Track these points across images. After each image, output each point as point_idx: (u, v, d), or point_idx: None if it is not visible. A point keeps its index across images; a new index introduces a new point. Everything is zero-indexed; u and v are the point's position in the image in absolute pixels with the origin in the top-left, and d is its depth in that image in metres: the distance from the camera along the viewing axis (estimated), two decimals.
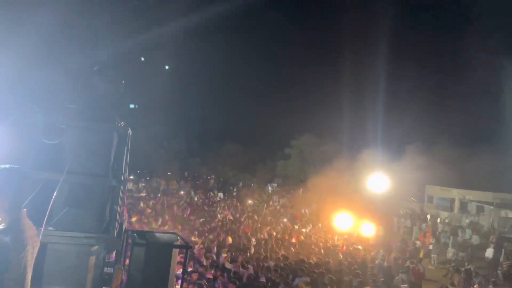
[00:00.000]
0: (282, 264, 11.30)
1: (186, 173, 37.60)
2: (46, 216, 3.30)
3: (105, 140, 3.82)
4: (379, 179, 24.63)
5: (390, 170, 25.23)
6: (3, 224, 2.73)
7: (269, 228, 18.47)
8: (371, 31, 37.80)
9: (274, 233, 17.27)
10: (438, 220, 24.29)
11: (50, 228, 3.61)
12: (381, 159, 28.43)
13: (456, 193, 27.53)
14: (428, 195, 29.76)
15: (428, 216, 25.21)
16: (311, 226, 20.49)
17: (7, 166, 2.81)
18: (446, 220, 24.46)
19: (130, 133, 4.11)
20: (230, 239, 14.28)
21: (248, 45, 48.24)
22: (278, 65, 49.76)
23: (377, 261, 13.78)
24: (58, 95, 3.88)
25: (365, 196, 24.72)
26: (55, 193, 3.41)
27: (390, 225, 22.79)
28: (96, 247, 3.89)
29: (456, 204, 27.43)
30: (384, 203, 25.02)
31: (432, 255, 17.49)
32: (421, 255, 16.90)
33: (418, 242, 18.90)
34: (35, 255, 2.78)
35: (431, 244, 18.42)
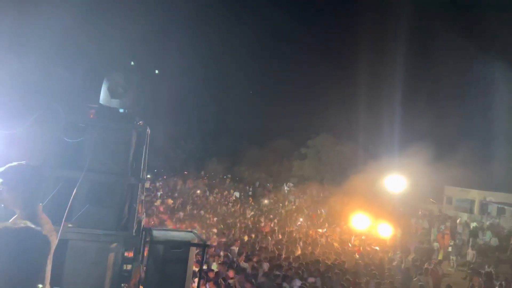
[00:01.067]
0: (297, 264, 11.27)
1: (202, 172, 37.80)
2: (66, 213, 3.35)
3: (125, 139, 3.86)
4: (396, 180, 24.34)
5: (408, 170, 24.90)
6: (15, 216, 2.79)
7: (285, 228, 18.45)
8: (389, 31, 37.38)
9: (290, 233, 17.23)
10: (458, 221, 23.87)
11: (70, 225, 3.68)
12: (399, 159, 28.09)
13: (476, 194, 27.00)
14: (447, 196, 29.27)
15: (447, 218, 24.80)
16: (327, 226, 20.39)
17: (23, 162, 2.87)
18: (466, 222, 24.01)
19: (149, 132, 4.16)
20: (246, 238, 14.32)
21: (265, 45, 48.28)
22: (295, 64, 49.64)
23: (394, 263, 13.62)
24: (79, 94, 3.94)
25: (382, 197, 24.46)
26: (74, 191, 3.46)
27: (407, 227, 22.49)
28: (115, 244, 3.94)
29: (476, 206, 26.90)
30: (402, 204, 24.71)
31: (451, 257, 17.20)
32: (440, 257, 16.64)
33: (436, 244, 18.60)
34: (52, 250, 2.83)
35: (450, 246, 18.11)
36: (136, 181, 3.99)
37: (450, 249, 17.79)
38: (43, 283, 1.67)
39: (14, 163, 2.81)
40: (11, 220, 2.66)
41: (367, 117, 33.21)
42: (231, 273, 9.38)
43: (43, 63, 4.37)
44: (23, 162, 2.85)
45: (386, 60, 36.38)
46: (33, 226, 1.71)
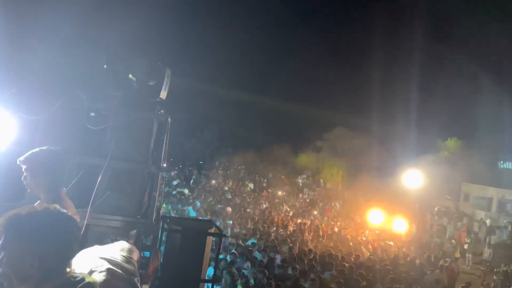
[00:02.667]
0: (311, 257, 11.28)
1: (217, 163, 37.98)
2: (92, 199, 3.41)
3: (146, 127, 3.90)
4: (412, 175, 24.05)
5: (425, 166, 24.57)
6: (39, 201, 2.86)
7: (299, 220, 18.46)
8: (406, 25, 36.70)
9: (304, 225, 17.24)
10: (475, 219, 23.53)
11: (90, 211, 3.74)
12: (416, 155, 27.71)
13: (494, 192, 26.50)
14: (464, 193, 28.79)
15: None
16: (341, 220, 20.33)
17: (45, 148, 2.92)
18: (483, 220, 23.63)
19: (170, 121, 4.18)
20: (260, 229, 14.38)
21: (281, 37, 47.94)
22: (312, 57, 49.19)
23: (408, 258, 13.52)
24: (102, 82, 3.98)
25: (398, 192, 24.22)
26: (100, 177, 3.51)
27: (423, 223, 22.27)
28: (134, 231, 4.00)
29: (494, 204, 26.42)
30: (418, 200, 24.44)
31: (467, 255, 16.98)
32: (456, 254, 16.44)
33: (453, 241, 18.38)
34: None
35: (466, 243, 17.88)
36: (156, 170, 4.03)
37: (466, 246, 17.57)
38: (70, 266, 1.70)
39: (36, 149, 2.87)
40: (36, 203, 2.72)
41: (384, 111, 32.82)
42: (246, 264, 9.45)
43: (67, 49, 4.42)
44: (45, 147, 2.90)
45: (403, 51, 35.81)
46: (57, 207, 1.75)
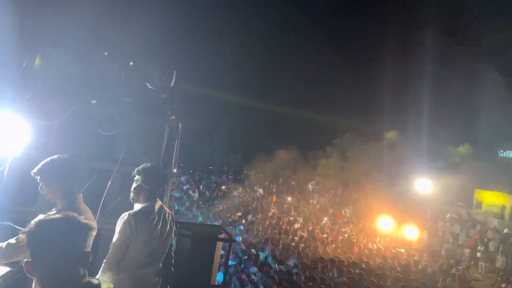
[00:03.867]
0: (321, 263, 11.21)
1: (225, 168, 38.03)
2: (101, 204, 3.45)
3: (157, 132, 3.94)
4: (423, 182, 23.80)
5: (436, 172, 24.32)
6: (54, 211, 2.92)
7: (309, 226, 18.37)
8: (416, 32, 36.52)
9: (314, 232, 17.15)
10: (487, 226, 23.18)
11: (101, 216, 3.78)
12: (427, 161, 27.44)
13: (508, 199, 26.11)
14: (477, 200, 28.42)
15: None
16: (351, 227, 20.17)
17: (55, 156, 2.98)
18: (496, 227, 23.27)
19: (181, 127, 4.22)
20: (269, 235, 14.33)
21: (292, 45, 48.03)
22: (322, 62, 49.15)
23: (420, 266, 13.35)
24: (114, 88, 4.03)
25: (409, 199, 23.99)
26: (109, 182, 3.56)
27: (434, 230, 21.99)
28: None
29: (507, 211, 26.01)
30: (429, 207, 24.17)
31: (480, 263, 16.72)
32: (468, 262, 16.21)
33: (467, 250, 18.11)
34: (92, 238, 2.93)
35: (479, 251, 17.60)
36: (167, 175, 4.06)
37: (479, 254, 17.30)
38: (84, 272, 1.74)
39: (47, 159, 2.93)
40: (53, 210, 2.77)
41: (395, 117, 32.62)
42: (255, 269, 9.42)
43: (80, 56, 4.49)
44: (55, 156, 2.96)
45: (414, 57, 35.60)
46: (74, 214, 1.79)
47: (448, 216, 25.12)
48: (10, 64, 4.02)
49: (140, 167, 3.18)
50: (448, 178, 25.04)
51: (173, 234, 3.42)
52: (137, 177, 3.18)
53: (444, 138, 30.56)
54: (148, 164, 3.20)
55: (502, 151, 29.15)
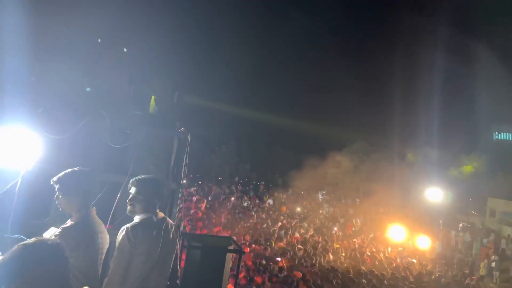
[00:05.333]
0: (332, 274, 11.08)
1: (236, 178, 38.02)
2: (110, 216, 3.48)
3: (167, 144, 3.97)
4: (436, 190, 23.51)
5: (449, 181, 24.03)
6: (69, 223, 2.96)
7: (319, 236, 18.21)
8: (428, 36, 36.41)
9: (324, 242, 16.99)
10: (503, 235, 22.77)
11: (111, 229, 3.81)
12: (439, 169, 27.15)
13: None
14: (490, 208, 27.97)
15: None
16: (362, 236, 19.95)
17: (76, 168, 3.02)
18: (510, 236, 22.84)
19: (190, 139, 4.24)
20: (279, 245, 14.23)
21: (302, 53, 48.17)
22: (331, 70, 49.23)
23: (433, 276, 13.14)
24: (124, 101, 4.08)
25: (421, 208, 23.70)
26: (118, 195, 3.58)
27: (447, 239, 21.66)
28: None
29: None
30: (441, 216, 23.85)
31: (494, 273, 16.40)
32: (482, 272, 15.91)
33: (483, 262, 17.77)
34: (105, 250, 2.96)
35: (493, 261, 17.27)
36: (177, 187, 4.08)
37: (493, 264, 16.97)
38: None
39: (69, 170, 2.97)
40: (64, 224, 2.81)
41: (405, 125, 32.41)
42: (261, 280, 9.35)
43: (90, 70, 4.56)
44: (76, 168, 3.00)
45: (425, 67, 35.46)
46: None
47: (461, 225, 24.75)
48: (23, 79, 4.09)
49: (134, 178, 3.15)
50: (460, 187, 24.75)
51: (177, 246, 3.37)
52: (132, 188, 3.15)
53: (456, 146, 30.28)
54: (143, 175, 3.16)
55: (496, 133, 28.70)
